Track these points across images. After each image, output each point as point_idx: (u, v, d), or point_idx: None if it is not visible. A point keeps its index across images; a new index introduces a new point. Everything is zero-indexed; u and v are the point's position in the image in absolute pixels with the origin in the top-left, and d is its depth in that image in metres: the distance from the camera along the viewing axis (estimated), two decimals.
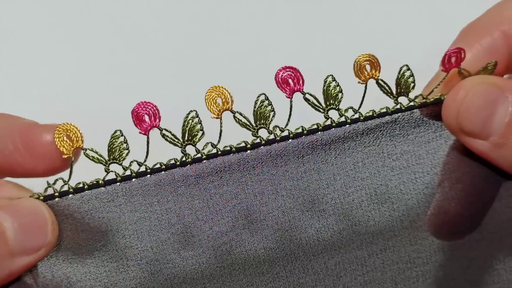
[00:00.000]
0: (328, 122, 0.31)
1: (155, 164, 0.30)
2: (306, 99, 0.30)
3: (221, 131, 0.30)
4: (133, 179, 0.30)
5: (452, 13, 0.53)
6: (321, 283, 0.33)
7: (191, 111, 0.29)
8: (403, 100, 0.31)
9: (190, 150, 0.30)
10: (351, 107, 0.31)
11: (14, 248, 0.28)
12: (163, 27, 0.59)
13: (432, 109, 0.32)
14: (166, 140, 0.30)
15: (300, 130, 0.31)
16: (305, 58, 0.48)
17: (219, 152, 0.30)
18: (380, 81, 0.31)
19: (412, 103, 0.31)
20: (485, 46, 0.32)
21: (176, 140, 0.30)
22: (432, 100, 0.31)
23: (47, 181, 0.29)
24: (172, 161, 0.30)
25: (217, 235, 0.31)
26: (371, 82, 0.30)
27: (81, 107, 0.56)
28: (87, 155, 0.29)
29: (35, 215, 0.28)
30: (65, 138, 0.29)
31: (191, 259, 0.31)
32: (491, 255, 0.33)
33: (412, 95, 0.31)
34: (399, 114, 0.31)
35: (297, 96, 0.30)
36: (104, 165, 0.29)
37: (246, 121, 0.30)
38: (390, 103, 0.31)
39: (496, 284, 0.34)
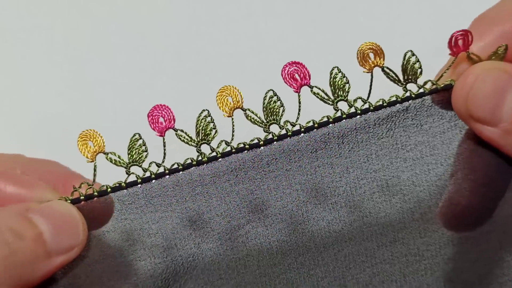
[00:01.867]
0: (338, 114, 0.31)
1: (173, 165, 0.31)
2: (314, 93, 0.31)
3: (233, 129, 0.31)
4: (153, 181, 0.31)
5: (455, 8, 0.52)
6: (330, 275, 0.33)
7: (203, 110, 0.31)
8: (412, 87, 0.31)
9: (205, 149, 0.31)
10: (360, 97, 0.31)
11: (51, 249, 0.29)
12: (171, 28, 0.60)
13: (444, 96, 0.31)
14: (181, 140, 0.31)
15: (311, 124, 0.31)
16: (309, 54, 0.48)
17: (233, 150, 0.31)
18: (386, 69, 0.31)
19: (421, 90, 0.31)
20: (497, 35, 0.31)
21: (191, 140, 0.31)
22: (442, 86, 0.31)
23: (73, 186, 0.31)
24: (189, 161, 0.31)
25: (233, 229, 0.32)
26: (377, 72, 0.31)
27: (85, 109, 0.58)
28: (109, 159, 0.31)
29: (67, 217, 0.30)
30: (88, 144, 0.31)
31: (209, 251, 0.32)
32: (501, 247, 0.32)
33: (420, 81, 0.31)
34: (410, 101, 0.31)
35: (305, 90, 0.31)
36: (125, 167, 0.31)
37: (257, 118, 0.31)
38: (399, 91, 0.31)
39: (506, 277, 0.32)
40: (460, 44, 0.30)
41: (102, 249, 0.32)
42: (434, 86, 0.31)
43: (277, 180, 0.32)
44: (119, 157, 0.31)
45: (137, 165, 0.31)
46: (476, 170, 0.32)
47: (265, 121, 0.31)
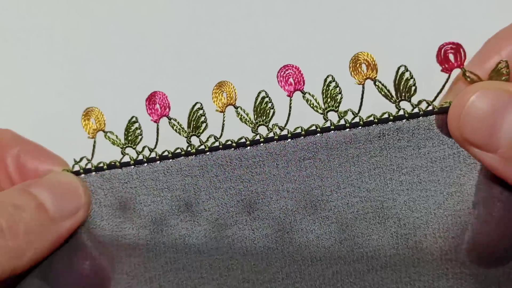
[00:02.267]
0: (328, 124, 0.31)
1: (163, 152, 0.33)
2: (306, 99, 0.31)
3: (223, 125, 0.32)
4: (144, 164, 0.33)
5: (455, 13, 0.48)
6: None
7: (197, 103, 0.32)
8: (406, 106, 0.30)
9: (195, 141, 0.32)
10: (350, 109, 0.31)
11: (55, 215, 0.32)
12: (171, 28, 0.60)
13: (444, 119, 0.30)
14: (174, 129, 0.32)
15: (299, 130, 0.31)
16: (305, 57, 0.47)
17: (221, 146, 0.32)
18: (378, 83, 0.30)
19: (416, 110, 0.30)
20: (506, 56, 0.29)
21: (183, 131, 0.32)
22: (439, 107, 0.30)
23: (74, 158, 0.34)
24: (178, 150, 0.32)
25: (220, 227, 0.33)
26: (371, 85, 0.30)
27: (82, 107, 0.59)
28: (107, 137, 0.33)
29: (66, 183, 0.33)
30: (91, 121, 0.33)
31: (193, 247, 0.33)
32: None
33: (415, 99, 0.30)
34: (404, 121, 0.30)
35: (297, 95, 0.31)
36: (121, 147, 0.33)
37: (247, 117, 0.32)
38: (393, 108, 0.31)
39: None
40: (451, 59, 0.29)
41: (95, 221, 0.34)
42: (430, 107, 0.30)
43: (264, 184, 0.32)
44: (116, 137, 0.33)
45: (131, 147, 0.33)
46: (497, 201, 0.30)
47: (254, 121, 0.32)
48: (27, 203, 0.31)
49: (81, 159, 0.34)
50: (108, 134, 0.33)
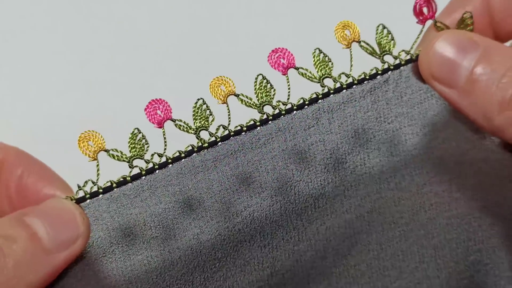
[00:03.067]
0: (326, 90, 0.33)
1: (175, 153, 0.32)
2: (301, 73, 0.33)
3: (229, 114, 0.33)
4: (157, 171, 0.32)
5: None
6: (313, 248, 0.34)
7: (198, 99, 0.32)
8: (390, 59, 0.34)
9: (204, 135, 0.32)
10: (343, 73, 0.33)
11: (49, 246, 0.29)
12: (171, 27, 0.60)
13: (417, 65, 0.34)
14: (181, 129, 0.32)
15: (301, 102, 0.33)
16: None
17: (232, 133, 0.32)
18: (362, 43, 0.33)
19: (398, 61, 0.34)
20: (471, 8, 0.34)
21: (190, 128, 0.32)
22: (416, 55, 0.34)
23: (78, 184, 0.31)
24: (190, 148, 0.32)
25: (232, 216, 0.33)
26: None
27: (85, 109, 0.57)
28: (111, 155, 0.32)
29: (61, 210, 0.31)
30: (88, 144, 0.32)
31: (207, 242, 0.33)
32: (469, 212, 0.34)
33: (396, 52, 0.34)
34: (389, 73, 0.34)
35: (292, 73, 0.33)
36: (128, 162, 0.32)
37: (250, 101, 0.33)
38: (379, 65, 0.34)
39: (475, 246, 0.34)
40: (425, 11, 0.33)
41: (105, 248, 0.32)
42: (408, 56, 0.34)
43: (274, 161, 0.33)
44: (120, 152, 0.32)
45: (139, 158, 0.32)
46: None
47: (258, 103, 0.33)
48: (19, 234, 0.29)
49: (85, 184, 0.31)
50: (111, 152, 0.32)
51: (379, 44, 0.34)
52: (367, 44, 0.34)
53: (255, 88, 0.33)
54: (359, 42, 0.33)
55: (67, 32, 0.61)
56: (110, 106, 0.58)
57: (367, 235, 0.34)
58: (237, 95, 0.33)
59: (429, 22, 0.34)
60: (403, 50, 0.34)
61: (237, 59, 0.59)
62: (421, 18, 0.33)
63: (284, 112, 0.33)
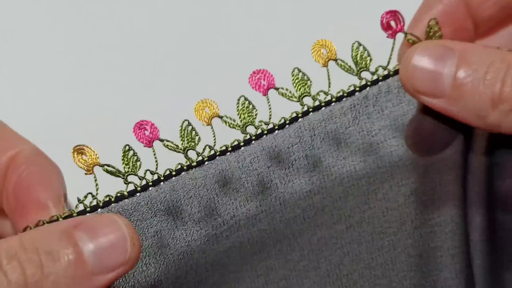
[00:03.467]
0: (305, 108, 0.35)
1: (166, 171, 0.35)
2: (281, 93, 0.35)
3: (214, 135, 0.35)
4: (150, 188, 0.35)
5: None
6: (305, 258, 0.36)
7: (184, 121, 0.35)
8: (367, 75, 0.35)
9: (192, 155, 0.35)
10: (322, 91, 0.35)
11: (93, 269, 0.28)
12: (164, 26, 0.60)
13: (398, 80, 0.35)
14: (169, 149, 0.35)
15: (283, 121, 0.35)
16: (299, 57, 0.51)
17: (217, 153, 0.35)
18: (339, 61, 0.35)
19: (375, 76, 0.35)
20: (435, 13, 0.35)
21: (178, 148, 0.35)
22: (393, 70, 0.35)
23: (77, 197, 0.34)
24: (179, 166, 0.35)
25: (219, 225, 0.35)
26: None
27: (86, 109, 0.57)
28: (106, 170, 0.34)
29: (113, 232, 0.29)
30: (82, 157, 0.34)
31: (197, 248, 0.35)
32: (452, 220, 0.35)
33: (373, 68, 0.35)
34: (368, 89, 0.35)
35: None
36: (123, 177, 0.35)
37: (233, 123, 0.35)
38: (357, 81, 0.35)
39: (457, 249, 0.34)
40: (393, 25, 0.34)
41: None
42: (386, 71, 0.35)
43: (259, 177, 0.35)
44: (115, 168, 0.35)
45: (133, 174, 0.35)
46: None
47: (241, 124, 0.35)
48: (64, 252, 0.27)
49: (85, 197, 0.34)
50: (105, 167, 0.35)
51: (355, 61, 0.35)
52: (344, 62, 0.35)
53: (238, 109, 0.35)
54: (335, 60, 0.35)
55: (67, 32, 0.61)
56: (110, 106, 0.58)
57: (358, 245, 0.36)
58: (220, 117, 0.35)
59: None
60: (380, 66, 0.35)
61: (237, 59, 0.59)
62: (390, 32, 0.34)
63: (266, 132, 0.35)
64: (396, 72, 0.34)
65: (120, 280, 0.35)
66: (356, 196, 0.36)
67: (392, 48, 0.35)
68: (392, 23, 0.34)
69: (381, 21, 0.34)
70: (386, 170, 0.36)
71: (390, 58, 0.35)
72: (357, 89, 0.35)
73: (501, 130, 0.32)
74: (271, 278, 0.36)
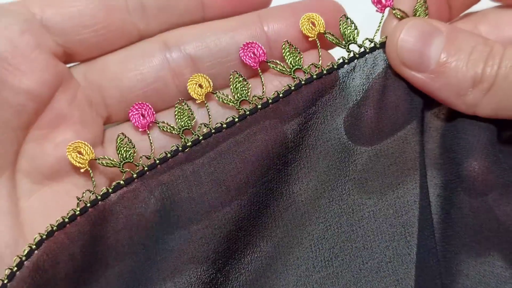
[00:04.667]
0: (297, 81, 0.35)
1: (161, 154, 0.34)
2: (272, 66, 0.35)
3: (208, 111, 0.35)
4: (147, 172, 0.34)
5: None
6: (289, 234, 0.35)
7: (179, 100, 0.35)
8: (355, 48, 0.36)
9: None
10: (313, 64, 0.35)
11: None
12: None
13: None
14: (164, 130, 0.34)
15: (275, 95, 0.35)
16: None
17: (213, 130, 0.34)
18: (327, 34, 0.35)
19: (362, 49, 0.36)
20: None
21: (173, 129, 0.34)
22: (379, 43, 0.36)
23: (77, 197, 0.33)
24: (175, 147, 0.34)
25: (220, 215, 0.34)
26: None
27: None
28: (101, 163, 0.34)
29: None
30: (77, 154, 0.34)
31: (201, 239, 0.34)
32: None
33: (360, 40, 0.36)
34: (355, 61, 0.36)
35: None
36: (119, 167, 0.34)
37: (227, 98, 0.35)
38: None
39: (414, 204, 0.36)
40: (383, 0, 0.35)
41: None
42: (372, 44, 0.36)
43: (255, 152, 0.35)
44: (109, 159, 0.34)
45: (129, 161, 0.34)
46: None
47: (235, 99, 0.35)
48: None
49: (83, 195, 0.33)
50: (100, 160, 0.34)
51: (343, 34, 0.36)
52: (332, 35, 0.36)
53: (231, 85, 0.35)
54: (324, 33, 0.35)
55: None
56: None
57: (339, 218, 0.36)
58: (214, 93, 0.35)
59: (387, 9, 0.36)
60: (367, 38, 0.36)
61: None
62: (379, 6, 0.36)
63: (260, 107, 0.35)
64: (382, 45, 0.36)
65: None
66: (339, 169, 0.36)
67: (380, 22, 0.36)
68: None
69: None
70: (365, 141, 0.36)
71: (376, 31, 0.36)
72: (346, 61, 0.35)
73: (476, 111, 0.34)
74: (256, 256, 0.35)
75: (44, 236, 0.32)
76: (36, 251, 0.31)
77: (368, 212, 0.36)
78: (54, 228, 0.32)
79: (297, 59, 0.35)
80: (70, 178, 0.35)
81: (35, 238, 0.32)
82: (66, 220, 0.32)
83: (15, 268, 0.31)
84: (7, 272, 0.31)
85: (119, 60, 0.36)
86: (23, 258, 0.31)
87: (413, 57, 0.34)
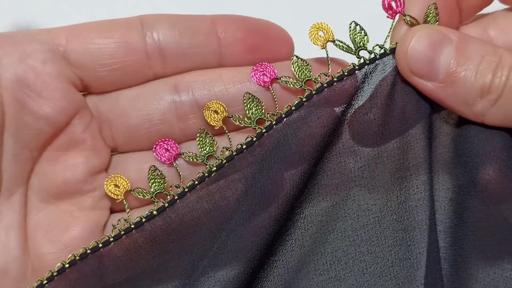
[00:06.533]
0: (308, 92, 0.36)
1: (189, 181, 0.36)
2: (284, 82, 0.36)
3: (228, 135, 0.37)
4: (177, 201, 0.36)
5: None
6: (291, 237, 0.36)
7: (201, 129, 0.37)
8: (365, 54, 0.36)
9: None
10: (323, 72, 0.36)
11: None
12: None
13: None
14: (189, 160, 0.36)
15: (288, 108, 0.36)
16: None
17: (234, 153, 0.36)
18: (337, 41, 0.36)
19: (372, 55, 0.36)
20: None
21: (198, 157, 0.36)
22: (389, 49, 0.35)
23: (112, 224, 0.36)
24: (201, 174, 0.36)
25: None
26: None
27: None
28: (135, 193, 0.36)
29: None
30: (113, 186, 0.36)
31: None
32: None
33: (370, 46, 0.36)
34: (366, 67, 0.36)
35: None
36: (151, 197, 0.36)
37: (242, 120, 0.36)
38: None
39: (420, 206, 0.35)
40: (393, 6, 0.35)
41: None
42: (382, 50, 0.36)
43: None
44: (144, 190, 0.36)
45: (160, 191, 0.36)
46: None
47: (252, 120, 0.36)
48: None
49: (118, 222, 0.36)
50: (135, 191, 0.36)
51: (353, 41, 0.36)
52: (342, 42, 0.36)
53: (246, 105, 0.36)
54: (333, 41, 0.36)
55: None
56: None
57: (343, 222, 0.36)
58: (230, 117, 0.36)
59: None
60: (377, 45, 0.36)
61: None
62: (390, 12, 0.35)
63: (274, 123, 0.36)
64: (392, 51, 0.35)
65: None
66: (343, 173, 0.36)
67: (391, 28, 0.36)
68: (393, 3, 0.35)
69: (383, 2, 0.35)
70: (372, 149, 0.36)
71: (387, 37, 0.36)
72: (356, 67, 0.36)
73: (484, 120, 0.34)
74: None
75: (78, 258, 0.35)
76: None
77: (373, 218, 0.36)
78: (88, 251, 0.35)
79: (306, 71, 0.36)
80: (74, 200, 0.37)
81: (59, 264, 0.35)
82: (100, 245, 0.35)
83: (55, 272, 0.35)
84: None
85: (130, 97, 0.37)
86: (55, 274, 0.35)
87: (422, 66, 0.34)
